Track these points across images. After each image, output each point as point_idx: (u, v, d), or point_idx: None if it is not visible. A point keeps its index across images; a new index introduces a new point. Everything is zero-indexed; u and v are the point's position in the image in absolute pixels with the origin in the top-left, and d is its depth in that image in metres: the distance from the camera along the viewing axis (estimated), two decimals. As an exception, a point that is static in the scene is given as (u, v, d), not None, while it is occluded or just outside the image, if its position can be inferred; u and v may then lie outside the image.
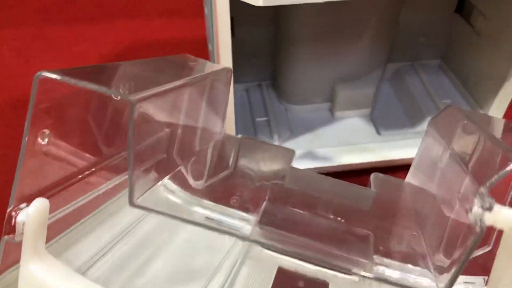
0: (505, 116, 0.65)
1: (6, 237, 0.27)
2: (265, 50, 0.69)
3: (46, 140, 0.31)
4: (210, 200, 0.45)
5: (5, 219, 0.27)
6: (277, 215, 0.40)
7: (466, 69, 0.73)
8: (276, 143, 0.63)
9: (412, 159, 0.63)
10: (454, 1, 0.72)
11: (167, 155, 0.37)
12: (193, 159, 0.43)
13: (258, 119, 0.66)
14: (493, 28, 0.64)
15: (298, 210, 0.41)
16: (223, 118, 0.48)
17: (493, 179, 0.27)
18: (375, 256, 0.36)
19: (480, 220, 0.26)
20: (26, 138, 0.29)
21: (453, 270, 0.27)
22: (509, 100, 0.63)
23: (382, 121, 0.69)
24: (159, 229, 0.45)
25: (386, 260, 0.37)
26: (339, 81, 0.66)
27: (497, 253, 0.30)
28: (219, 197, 0.45)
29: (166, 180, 0.42)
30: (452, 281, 0.27)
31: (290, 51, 0.64)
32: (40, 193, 0.30)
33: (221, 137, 0.48)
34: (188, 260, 0.42)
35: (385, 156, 0.62)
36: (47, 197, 0.29)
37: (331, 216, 0.42)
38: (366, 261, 0.34)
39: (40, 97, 0.28)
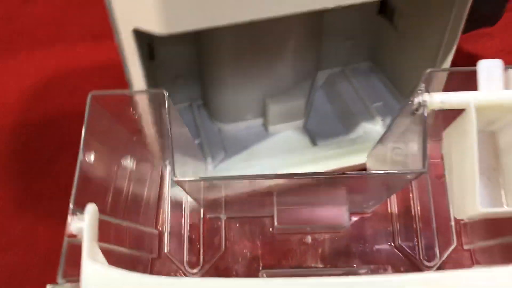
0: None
1: (67, 238, 0.34)
2: (191, 69, 0.67)
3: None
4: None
5: (66, 223, 0.34)
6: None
7: (395, 70, 0.73)
8: (210, 166, 0.61)
9: (349, 167, 0.62)
10: (377, 3, 0.72)
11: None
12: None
13: (190, 142, 0.64)
14: (415, 28, 0.65)
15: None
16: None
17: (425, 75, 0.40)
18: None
19: (420, 102, 0.40)
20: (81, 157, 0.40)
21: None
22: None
23: (317, 131, 0.68)
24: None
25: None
26: (270, 95, 0.65)
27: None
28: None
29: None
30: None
31: (216, 69, 0.62)
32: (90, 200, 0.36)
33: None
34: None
35: (321, 167, 0.61)
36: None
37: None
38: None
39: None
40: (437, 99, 0.40)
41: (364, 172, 0.58)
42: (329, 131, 0.68)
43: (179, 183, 0.41)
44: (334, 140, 0.66)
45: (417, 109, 0.40)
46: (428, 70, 0.41)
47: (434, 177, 0.55)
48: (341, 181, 0.47)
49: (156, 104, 0.45)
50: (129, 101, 0.47)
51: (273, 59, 0.61)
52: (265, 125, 0.68)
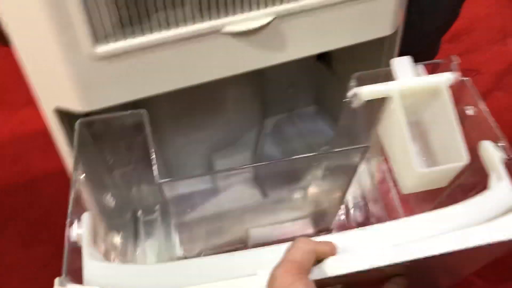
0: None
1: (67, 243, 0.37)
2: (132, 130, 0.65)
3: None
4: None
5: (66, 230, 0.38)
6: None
7: (338, 112, 0.74)
8: (162, 234, 0.59)
9: (298, 217, 0.62)
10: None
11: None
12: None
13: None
14: (351, 71, 0.66)
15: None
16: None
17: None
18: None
19: (354, 94, 0.47)
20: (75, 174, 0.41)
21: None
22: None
23: (267, 182, 0.67)
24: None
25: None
26: (215, 151, 0.64)
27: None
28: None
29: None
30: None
31: (155, 130, 0.61)
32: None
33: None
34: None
35: (274, 218, 0.60)
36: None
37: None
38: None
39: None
40: (367, 90, 0.47)
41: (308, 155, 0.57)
42: (279, 180, 0.67)
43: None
44: (284, 189, 0.66)
45: (352, 102, 0.48)
46: (357, 74, 0.48)
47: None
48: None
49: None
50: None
51: (214, 116, 0.61)
52: (213, 182, 0.67)
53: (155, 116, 0.59)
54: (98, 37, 0.36)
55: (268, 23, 0.42)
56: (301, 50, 0.48)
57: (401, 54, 0.80)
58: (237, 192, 0.66)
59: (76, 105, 0.36)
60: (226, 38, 0.42)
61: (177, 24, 0.39)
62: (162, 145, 0.63)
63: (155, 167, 0.41)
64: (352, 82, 0.47)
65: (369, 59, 0.61)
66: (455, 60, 0.48)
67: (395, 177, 0.52)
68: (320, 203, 0.62)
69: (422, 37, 0.74)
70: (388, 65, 0.60)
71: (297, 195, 0.65)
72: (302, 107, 0.80)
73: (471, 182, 0.48)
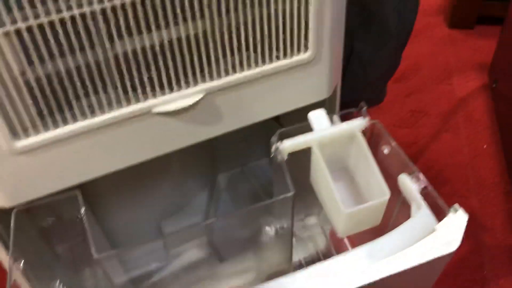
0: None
1: None
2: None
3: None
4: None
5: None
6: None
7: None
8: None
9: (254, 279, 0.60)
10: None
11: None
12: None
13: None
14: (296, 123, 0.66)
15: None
16: None
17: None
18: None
19: (276, 149, 0.49)
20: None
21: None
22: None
23: (223, 245, 0.65)
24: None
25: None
26: (165, 217, 0.62)
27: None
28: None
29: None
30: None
31: (102, 201, 0.59)
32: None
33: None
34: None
35: (231, 282, 0.58)
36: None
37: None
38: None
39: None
40: (287, 144, 0.50)
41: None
42: (235, 242, 0.65)
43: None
44: (240, 250, 0.64)
45: (276, 157, 0.50)
46: (280, 130, 0.51)
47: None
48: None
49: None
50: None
51: (161, 180, 0.59)
52: (165, 248, 0.64)
53: (97, 187, 0.57)
54: (17, 131, 0.34)
55: (200, 100, 0.42)
56: (238, 121, 0.48)
57: (348, 101, 0.81)
58: (191, 257, 0.64)
59: (0, 201, 0.34)
60: (158, 117, 0.40)
61: (102, 109, 0.38)
62: (107, 216, 0.60)
63: (91, 243, 0.39)
64: (274, 138, 0.50)
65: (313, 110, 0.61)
66: (364, 106, 0.53)
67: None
68: (272, 264, 0.61)
69: (367, 85, 0.75)
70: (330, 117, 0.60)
71: (251, 256, 0.63)
72: (254, 160, 0.79)
73: (405, 214, 0.50)
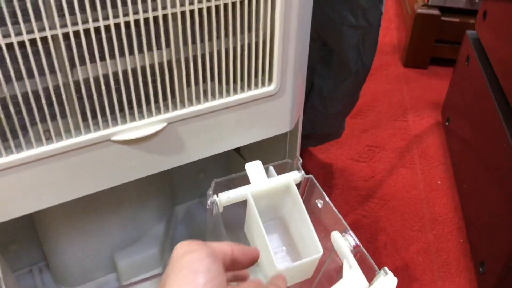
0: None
1: None
2: (27, 233, 0.60)
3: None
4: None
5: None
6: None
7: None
8: None
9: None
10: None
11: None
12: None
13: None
14: (259, 157, 0.66)
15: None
16: None
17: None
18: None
19: (213, 202, 0.49)
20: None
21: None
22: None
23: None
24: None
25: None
26: (118, 249, 0.60)
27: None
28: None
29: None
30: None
31: (51, 233, 0.56)
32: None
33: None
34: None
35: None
36: None
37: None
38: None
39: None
40: (223, 197, 0.49)
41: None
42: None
43: None
44: None
45: (211, 209, 0.49)
46: (215, 180, 0.50)
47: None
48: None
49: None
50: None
51: (115, 212, 0.57)
52: (118, 281, 0.62)
53: (48, 216, 0.54)
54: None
55: (162, 129, 0.41)
56: (199, 152, 0.47)
57: (308, 135, 0.82)
58: (145, 291, 0.62)
59: None
60: (118, 146, 0.39)
61: (60, 136, 0.36)
62: (59, 248, 0.57)
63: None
64: (210, 191, 0.49)
65: (275, 143, 0.61)
66: (300, 160, 0.53)
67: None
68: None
69: (326, 120, 0.76)
70: (291, 150, 0.60)
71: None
72: (213, 191, 0.78)
73: (336, 265, 0.50)
